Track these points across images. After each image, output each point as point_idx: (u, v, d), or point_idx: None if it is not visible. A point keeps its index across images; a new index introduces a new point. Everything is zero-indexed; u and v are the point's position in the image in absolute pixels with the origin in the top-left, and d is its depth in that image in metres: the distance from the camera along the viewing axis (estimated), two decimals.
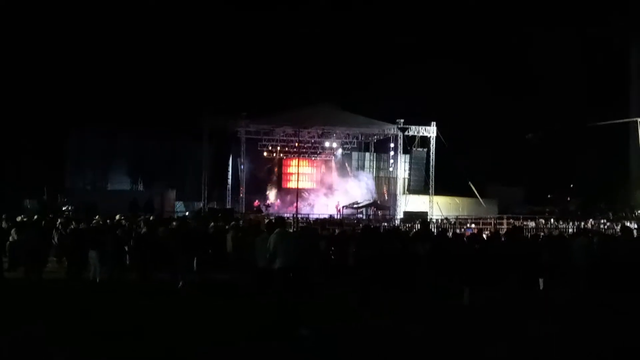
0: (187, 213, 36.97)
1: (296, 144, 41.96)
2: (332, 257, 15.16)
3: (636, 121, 41.55)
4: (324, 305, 11.86)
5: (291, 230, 19.96)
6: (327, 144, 44.09)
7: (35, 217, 21.63)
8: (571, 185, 48.60)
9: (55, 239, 18.04)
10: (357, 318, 11.27)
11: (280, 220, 13.02)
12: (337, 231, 19.06)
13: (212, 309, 12.04)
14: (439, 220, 35.80)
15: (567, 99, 46.72)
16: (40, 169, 37.91)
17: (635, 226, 31.64)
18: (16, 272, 16.06)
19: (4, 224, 18.56)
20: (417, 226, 26.21)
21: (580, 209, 42.25)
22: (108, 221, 19.08)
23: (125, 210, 27.92)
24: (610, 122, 41.64)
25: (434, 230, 23.35)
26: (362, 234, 14.82)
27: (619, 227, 30.23)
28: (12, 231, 17.03)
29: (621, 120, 42.24)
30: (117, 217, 20.20)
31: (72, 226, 18.43)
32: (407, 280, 12.87)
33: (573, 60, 46.05)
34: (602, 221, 35.71)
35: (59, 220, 22.67)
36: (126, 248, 16.29)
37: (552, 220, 37.63)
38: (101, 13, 44.02)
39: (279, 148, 43.71)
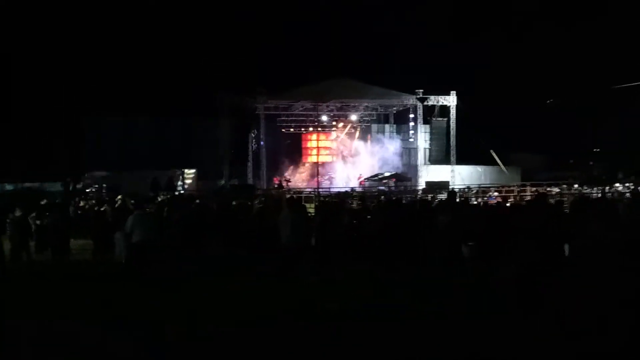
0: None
1: (315, 119, 41.86)
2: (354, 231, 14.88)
3: None
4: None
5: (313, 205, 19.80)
6: (346, 117, 43.84)
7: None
8: (595, 150, 47.90)
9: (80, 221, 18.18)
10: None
11: (296, 201, 13.23)
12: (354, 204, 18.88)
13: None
14: (461, 190, 35.56)
15: (589, 62, 45.91)
16: (62, 153, 38.24)
17: None
18: (43, 255, 16.29)
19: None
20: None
21: (605, 174, 41.66)
22: (132, 201, 19.14)
23: (146, 190, 28.15)
24: (634, 84, 40.88)
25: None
26: (388, 206, 14.37)
27: None
28: (30, 217, 17.06)
29: None
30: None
31: (96, 208, 18.59)
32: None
33: (595, 20, 45.16)
34: (627, 185, 35.19)
35: (83, 202, 22.89)
36: None
37: (575, 185, 37.21)
38: None
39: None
